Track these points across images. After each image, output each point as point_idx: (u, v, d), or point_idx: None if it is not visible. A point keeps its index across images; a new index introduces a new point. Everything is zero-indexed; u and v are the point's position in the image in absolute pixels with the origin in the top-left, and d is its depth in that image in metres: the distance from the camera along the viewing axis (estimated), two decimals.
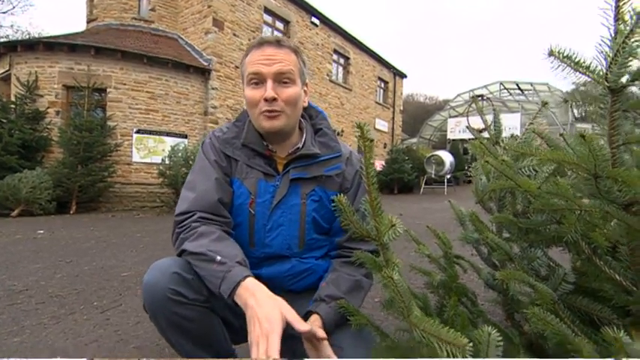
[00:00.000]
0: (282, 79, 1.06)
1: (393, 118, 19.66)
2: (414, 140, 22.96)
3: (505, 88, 22.65)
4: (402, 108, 21.10)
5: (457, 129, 20.30)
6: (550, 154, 0.83)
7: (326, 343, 0.93)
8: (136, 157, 9.47)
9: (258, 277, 0.96)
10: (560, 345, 0.82)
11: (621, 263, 0.99)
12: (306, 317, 0.99)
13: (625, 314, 0.93)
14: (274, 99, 1.05)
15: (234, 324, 1.15)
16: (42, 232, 5.44)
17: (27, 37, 19.17)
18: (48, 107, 8.50)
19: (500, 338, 0.75)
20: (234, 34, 11.39)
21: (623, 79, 0.71)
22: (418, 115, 35.89)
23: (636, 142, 0.76)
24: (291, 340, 1.13)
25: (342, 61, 16.43)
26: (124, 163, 9.28)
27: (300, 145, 1.17)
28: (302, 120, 1.23)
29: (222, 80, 10.88)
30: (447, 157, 14.39)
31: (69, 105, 8.85)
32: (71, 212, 8.07)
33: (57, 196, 7.82)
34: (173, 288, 0.96)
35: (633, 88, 0.75)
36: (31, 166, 7.83)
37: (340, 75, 16.38)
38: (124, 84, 9.27)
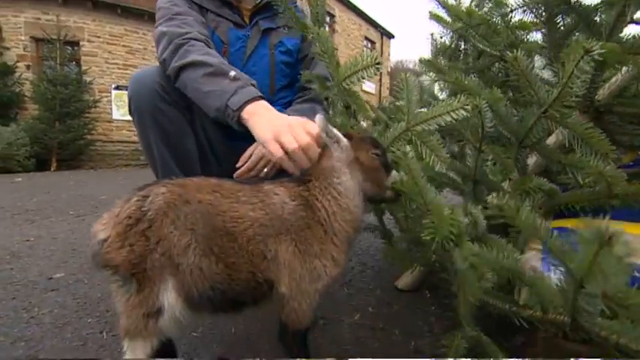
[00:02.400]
0: None
1: (380, 79, 19.36)
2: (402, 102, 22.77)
3: None
4: (389, 69, 20.75)
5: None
6: None
7: None
8: (117, 115, 9.22)
9: None
10: None
11: None
12: None
13: None
14: None
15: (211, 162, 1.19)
16: (20, 179, 5.36)
17: None
18: (17, 61, 8.09)
19: None
20: None
21: None
22: None
23: None
24: None
25: (327, 18, 15.89)
26: (105, 120, 9.04)
27: None
28: None
29: None
30: None
31: (40, 59, 8.44)
32: (52, 169, 7.93)
33: (35, 153, 7.63)
34: (160, 82, 0.99)
35: None
36: (4, 122, 7.56)
37: None
38: (98, 37, 8.84)
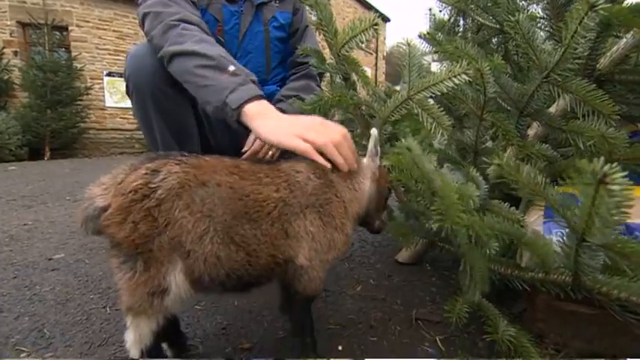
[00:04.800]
0: None
1: (376, 64, 19.12)
2: (398, 88, 22.62)
3: None
4: (385, 54, 20.49)
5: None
6: None
7: None
8: (110, 102, 9.06)
9: None
10: None
11: None
12: None
13: None
14: None
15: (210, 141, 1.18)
16: (14, 167, 5.30)
17: None
18: (4, 47, 7.85)
19: None
20: None
21: None
22: None
23: None
24: None
25: None
26: (97, 108, 8.88)
27: None
28: None
29: None
30: None
31: (27, 44, 8.21)
32: (45, 158, 7.83)
33: (28, 142, 7.52)
34: (158, 63, 0.94)
35: None
36: None
37: None
38: (87, 21, 8.59)
